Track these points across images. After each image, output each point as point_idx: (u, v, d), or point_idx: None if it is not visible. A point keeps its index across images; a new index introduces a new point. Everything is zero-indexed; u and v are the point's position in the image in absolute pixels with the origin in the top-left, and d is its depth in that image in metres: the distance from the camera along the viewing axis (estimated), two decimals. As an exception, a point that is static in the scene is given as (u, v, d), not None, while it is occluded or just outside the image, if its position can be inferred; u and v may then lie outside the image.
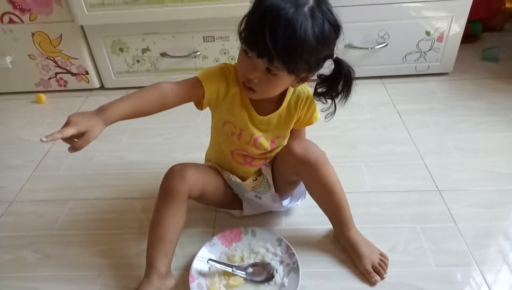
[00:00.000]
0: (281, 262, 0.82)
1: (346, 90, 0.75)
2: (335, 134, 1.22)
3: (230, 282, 0.78)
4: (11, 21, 1.38)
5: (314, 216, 0.88)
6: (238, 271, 0.79)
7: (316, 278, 0.80)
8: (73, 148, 0.63)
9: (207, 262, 0.80)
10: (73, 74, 1.51)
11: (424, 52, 1.44)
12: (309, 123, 0.87)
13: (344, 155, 1.14)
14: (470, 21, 1.54)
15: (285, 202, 0.91)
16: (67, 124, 0.62)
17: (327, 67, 0.74)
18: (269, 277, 0.79)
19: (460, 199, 0.97)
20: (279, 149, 0.88)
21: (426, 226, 0.90)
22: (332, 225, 0.87)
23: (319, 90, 0.78)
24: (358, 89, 1.46)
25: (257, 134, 0.82)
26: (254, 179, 0.89)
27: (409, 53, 1.44)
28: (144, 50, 1.45)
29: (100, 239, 0.93)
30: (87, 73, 1.51)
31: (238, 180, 0.88)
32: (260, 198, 0.90)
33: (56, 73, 1.51)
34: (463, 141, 1.16)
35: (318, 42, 0.65)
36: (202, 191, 0.83)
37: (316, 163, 0.79)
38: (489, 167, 1.06)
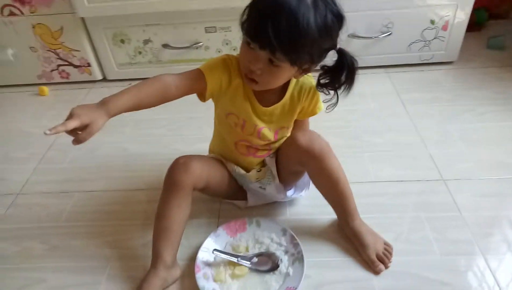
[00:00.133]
0: (286, 252, 0.83)
1: (349, 81, 0.75)
2: (339, 124, 1.22)
3: (236, 272, 0.79)
4: (11, 13, 1.38)
5: (318, 206, 0.89)
6: (243, 261, 0.80)
7: (320, 267, 0.81)
8: (77, 141, 0.63)
9: (213, 252, 0.80)
10: (75, 66, 1.51)
11: (429, 41, 1.42)
12: (313, 113, 0.87)
13: (348, 145, 1.13)
14: (476, 9, 1.52)
15: (289, 193, 0.92)
16: (70, 116, 0.62)
17: (330, 58, 0.74)
18: (274, 267, 0.80)
19: (465, 188, 0.97)
20: (283, 140, 0.87)
21: (431, 215, 0.90)
22: (337, 215, 0.88)
23: (322, 81, 0.78)
24: (362, 79, 1.45)
25: (261, 125, 0.82)
26: (258, 170, 0.89)
27: (413, 42, 1.43)
28: (146, 42, 1.44)
29: (106, 230, 0.93)
30: (89, 65, 1.50)
31: (243, 171, 0.88)
32: (264, 189, 0.90)
33: (58, 65, 1.51)
34: (467, 130, 1.16)
35: (320, 33, 0.65)
36: (207, 183, 0.83)
37: (321, 154, 0.79)
38: (493, 156, 1.06)
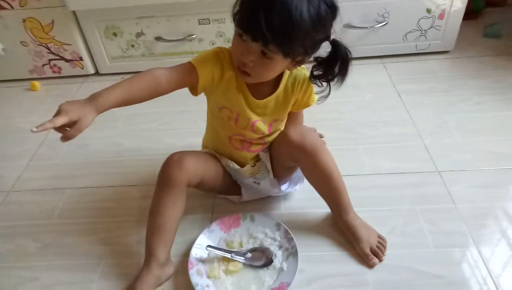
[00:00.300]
0: (280, 246, 0.82)
1: (343, 72, 0.74)
2: (334, 116, 1.21)
3: (229, 267, 0.79)
4: (0, 7, 1.35)
5: (313, 200, 0.88)
6: (237, 256, 0.80)
7: (314, 261, 0.81)
8: (65, 138, 0.62)
9: (206, 248, 0.80)
10: (67, 61, 1.49)
11: (425, 30, 1.41)
12: (307, 105, 0.86)
13: (343, 137, 1.12)
14: (472, -3, 1.50)
15: (284, 187, 0.91)
16: (58, 113, 0.61)
17: (324, 49, 0.72)
18: (268, 262, 0.79)
19: (460, 179, 0.96)
20: (277, 133, 0.86)
21: (425, 208, 0.90)
22: (331, 209, 0.87)
23: (316, 72, 0.77)
24: (358, 70, 1.44)
25: (254, 118, 0.81)
26: (253, 165, 0.88)
27: (409, 32, 1.41)
28: (138, 35, 1.42)
29: (99, 227, 0.93)
30: (81, 59, 1.48)
31: (237, 166, 0.88)
32: (258, 183, 0.89)
33: (50, 60, 1.49)
34: (463, 121, 1.15)
35: (314, 24, 0.64)
36: (201, 179, 0.82)
37: (313, 150, 0.78)
38: (489, 147, 1.05)
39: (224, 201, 0.96)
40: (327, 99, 0.78)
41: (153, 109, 1.28)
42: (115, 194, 1.01)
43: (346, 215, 0.83)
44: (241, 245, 0.84)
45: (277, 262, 0.79)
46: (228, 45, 0.77)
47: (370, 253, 0.79)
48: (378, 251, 0.80)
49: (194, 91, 0.77)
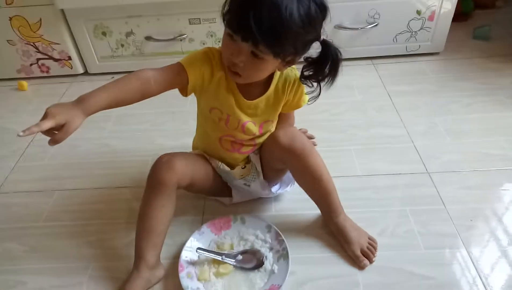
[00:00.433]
0: (271, 249, 0.82)
1: (333, 73, 0.74)
2: (325, 117, 1.21)
3: (220, 270, 0.78)
4: (-14, 5, 1.33)
5: (304, 201, 0.88)
6: (228, 259, 0.79)
7: (305, 263, 0.80)
8: (53, 141, 0.61)
9: (196, 251, 0.79)
10: (55, 60, 1.47)
11: (415, 31, 1.41)
12: (298, 106, 0.86)
13: (334, 139, 1.13)
14: (462, -1, 1.52)
15: (275, 189, 0.91)
16: (45, 116, 0.60)
17: (314, 50, 0.72)
18: (259, 264, 0.79)
19: (450, 181, 0.97)
20: (268, 134, 0.86)
21: (415, 209, 0.90)
22: (321, 211, 0.87)
23: (306, 73, 0.77)
24: (349, 71, 1.45)
25: (245, 119, 0.80)
26: (243, 167, 0.88)
27: (399, 33, 1.42)
28: (128, 34, 1.41)
29: (88, 229, 0.91)
30: (69, 58, 1.46)
31: (227, 168, 0.87)
32: (249, 186, 0.89)
33: (38, 59, 1.47)
34: (453, 122, 1.16)
35: (304, 24, 0.64)
36: (191, 181, 0.81)
37: (302, 152, 0.78)
38: (478, 148, 1.06)
39: (215, 202, 0.95)
40: (318, 100, 0.79)
41: (144, 109, 1.27)
42: (105, 196, 1.00)
43: (336, 217, 0.84)
44: (232, 247, 0.83)
45: (268, 264, 0.79)
46: (218, 45, 0.76)
47: (360, 255, 0.80)
48: (368, 253, 0.80)
49: (184, 92, 0.76)
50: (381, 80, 1.37)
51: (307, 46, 0.70)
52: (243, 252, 0.81)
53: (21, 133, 0.57)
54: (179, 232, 0.87)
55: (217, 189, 0.92)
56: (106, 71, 1.49)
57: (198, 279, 0.77)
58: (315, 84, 0.77)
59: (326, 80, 0.75)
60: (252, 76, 0.72)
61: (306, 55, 0.73)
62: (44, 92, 1.45)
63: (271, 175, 0.88)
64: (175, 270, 0.79)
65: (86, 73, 1.52)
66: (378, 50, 1.47)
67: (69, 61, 1.47)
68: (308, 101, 0.80)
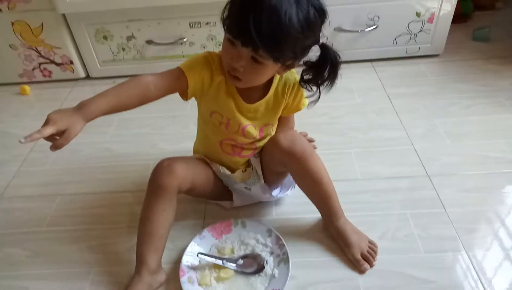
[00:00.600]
0: (271, 253, 0.82)
1: (332, 76, 0.75)
2: (325, 120, 1.21)
3: (221, 274, 0.79)
4: (-12, 10, 1.34)
5: (304, 205, 0.88)
6: (229, 263, 0.79)
7: (306, 267, 0.81)
8: (55, 147, 0.62)
9: (197, 256, 0.80)
10: (57, 64, 1.48)
11: (415, 34, 1.42)
12: (297, 109, 0.86)
13: (334, 142, 1.13)
14: (461, 0, 1.52)
15: (275, 192, 0.91)
16: (46, 123, 0.61)
17: (314, 52, 0.73)
18: (260, 269, 0.80)
19: (449, 184, 0.97)
20: (268, 137, 0.87)
21: (415, 212, 0.91)
22: (321, 214, 0.87)
23: (305, 76, 0.77)
24: (349, 73, 1.45)
25: (245, 122, 0.81)
26: (243, 170, 0.88)
27: (399, 35, 1.42)
28: (129, 38, 1.41)
29: (90, 234, 0.92)
30: (71, 62, 1.47)
31: (228, 172, 0.88)
32: (249, 189, 0.89)
33: (40, 64, 1.48)
34: (453, 124, 1.16)
35: (303, 29, 0.64)
36: (192, 185, 0.82)
37: (303, 156, 0.78)
38: (478, 150, 1.06)
39: (216, 206, 0.96)
40: (318, 103, 0.79)
41: (145, 114, 1.28)
42: (107, 200, 1.01)
43: (336, 220, 0.84)
44: (232, 251, 0.84)
45: (268, 268, 0.80)
46: (219, 48, 0.77)
47: (361, 258, 0.80)
48: (369, 257, 0.80)
49: (184, 96, 0.77)
50: (381, 83, 1.37)
51: (306, 50, 0.71)
52: (243, 257, 0.82)
53: (23, 140, 0.58)
54: (180, 237, 0.88)
55: (218, 193, 0.92)
56: (108, 75, 1.50)
57: (199, 284, 0.78)
58: (314, 87, 0.77)
59: (325, 83, 0.76)
60: (252, 81, 0.73)
61: (306, 58, 0.74)
62: (46, 97, 1.46)
63: (271, 179, 0.89)
64: (176, 274, 0.79)
65: (88, 77, 1.53)
66: (377, 53, 1.47)
67: (71, 65, 1.48)
68: (308, 104, 0.81)
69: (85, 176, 1.09)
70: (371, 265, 0.80)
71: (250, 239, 0.85)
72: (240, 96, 0.78)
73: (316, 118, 1.19)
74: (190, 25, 1.39)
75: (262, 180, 0.88)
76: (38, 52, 1.44)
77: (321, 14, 0.67)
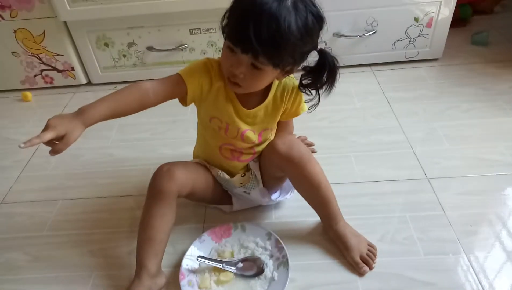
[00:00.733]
0: (271, 256, 0.83)
1: (331, 81, 0.76)
2: (324, 124, 1.22)
3: (221, 278, 0.79)
4: (-9, 18, 1.36)
5: (303, 208, 0.88)
6: (228, 266, 0.80)
7: (305, 270, 0.81)
8: (54, 151, 0.63)
9: (197, 259, 0.80)
10: (58, 71, 1.49)
11: (413, 38, 1.43)
12: (296, 114, 0.87)
13: (334, 145, 1.13)
14: (460, 5, 1.53)
15: (275, 196, 0.92)
16: (46, 128, 0.62)
17: (313, 57, 0.74)
18: (259, 272, 0.80)
19: (449, 187, 0.97)
20: (267, 142, 0.87)
21: (415, 215, 0.91)
22: (320, 218, 0.88)
23: (304, 81, 0.78)
24: (348, 78, 1.46)
25: (244, 127, 0.81)
26: (243, 175, 0.89)
27: (398, 40, 1.43)
28: (130, 45, 1.43)
29: (90, 238, 0.92)
30: (73, 69, 1.48)
31: (227, 176, 0.88)
32: (249, 193, 0.90)
33: (42, 70, 1.49)
34: (452, 128, 1.16)
35: (302, 35, 0.65)
36: (191, 190, 0.82)
37: (301, 161, 0.79)
38: (477, 154, 1.07)
39: (215, 210, 0.96)
40: (318, 107, 0.80)
41: (146, 118, 1.29)
42: (108, 205, 1.01)
43: (336, 224, 0.84)
44: (232, 255, 0.84)
45: (268, 271, 0.80)
46: (219, 54, 0.78)
47: (360, 261, 0.80)
48: (368, 259, 0.80)
49: (184, 102, 0.78)
50: (380, 87, 1.38)
51: (305, 56, 0.72)
52: (243, 260, 0.82)
53: (22, 145, 0.59)
54: (180, 240, 0.88)
55: (217, 197, 0.93)
56: (109, 81, 1.51)
57: (199, 287, 0.78)
58: (313, 92, 0.78)
59: (324, 88, 0.77)
60: (252, 86, 0.74)
61: (304, 64, 0.75)
62: (48, 103, 1.47)
63: (270, 183, 0.89)
64: (176, 278, 0.79)
65: (89, 83, 1.54)
66: (376, 57, 1.48)
67: (72, 72, 1.49)
68: (308, 109, 0.82)
69: (86, 181, 1.10)
70: (370, 268, 0.80)
71: (250, 242, 0.85)
72: (239, 102, 0.79)
73: (316, 122, 1.20)
74: (190, 32, 1.40)
75: (261, 184, 0.88)
76: (40, 59, 1.46)
77: (319, 20, 0.68)
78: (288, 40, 0.64)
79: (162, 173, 0.79)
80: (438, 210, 0.92)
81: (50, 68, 1.48)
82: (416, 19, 1.38)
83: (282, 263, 0.80)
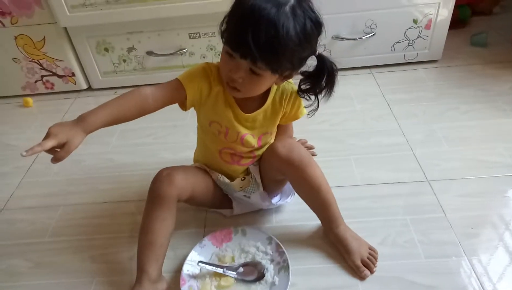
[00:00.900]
0: (272, 260, 0.83)
1: (330, 86, 0.76)
2: (324, 127, 1.22)
3: (221, 283, 0.79)
4: (-8, 25, 1.36)
5: (304, 212, 0.88)
6: (229, 271, 0.80)
7: (306, 274, 0.81)
8: (56, 159, 0.64)
9: (198, 264, 0.80)
10: (59, 76, 1.50)
11: (412, 40, 1.43)
12: (296, 118, 0.87)
13: (333, 148, 1.13)
14: (458, 6, 1.53)
15: (275, 200, 0.92)
16: (47, 136, 0.63)
17: (312, 62, 0.74)
18: (260, 276, 0.80)
19: (449, 189, 0.97)
20: (267, 146, 0.87)
21: (416, 218, 0.91)
22: (321, 222, 0.88)
23: (303, 86, 0.78)
24: (348, 80, 1.46)
25: (244, 131, 0.82)
26: (243, 179, 0.89)
27: (397, 42, 1.43)
28: (130, 49, 1.43)
29: (92, 244, 0.93)
30: (73, 74, 1.49)
31: (227, 180, 0.88)
32: (249, 197, 0.90)
33: (42, 76, 1.50)
34: (451, 129, 1.16)
35: (300, 41, 0.66)
36: (192, 194, 0.83)
37: (301, 164, 0.79)
38: (477, 155, 1.06)
39: (216, 215, 0.96)
40: (318, 110, 0.80)
41: (146, 123, 1.29)
42: (109, 210, 1.01)
43: (336, 227, 0.84)
44: (233, 259, 0.84)
45: (269, 276, 0.80)
46: (218, 58, 0.78)
47: (361, 265, 0.80)
48: (369, 263, 0.80)
49: (183, 107, 0.78)
50: (380, 89, 1.38)
51: (303, 61, 0.72)
52: (244, 265, 0.82)
53: (24, 153, 0.59)
54: (181, 245, 0.88)
55: (217, 202, 0.93)
56: (109, 86, 1.52)
57: (200, 292, 0.78)
58: (313, 96, 0.79)
59: (323, 92, 0.77)
60: (250, 91, 0.74)
61: (303, 69, 0.75)
62: (48, 108, 1.48)
63: (270, 186, 0.89)
64: (177, 283, 0.79)
65: (89, 88, 1.55)
66: (376, 59, 1.48)
67: (73, 77, 1.50)
68: (308, 114, 0.82)
69: (87, 186, 1.10)
70: (371, 272, 0.80)
71: (250, 247, 0.85)
72: (238, 106, 0.79)
73: (316, 125, 1.20)
74: (189, 36, 1.41)
75: (261, 188, 0.89)
76: (40, 65, 1.47)
77: (318, 26, 0.68)
78: (286, 46, 0.64)
79: (162, 177, 0.79)
80: (439, 212, 0.92)
81: (50, 73, 1.49)
82: (415, 21, 1.39)
83: (283, 267, 0.81)
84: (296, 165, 0.79)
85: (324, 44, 1.41)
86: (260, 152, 0.88)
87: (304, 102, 0.83)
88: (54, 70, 1.48)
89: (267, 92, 0.80)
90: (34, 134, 1.34)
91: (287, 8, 0.64)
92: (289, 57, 0.67)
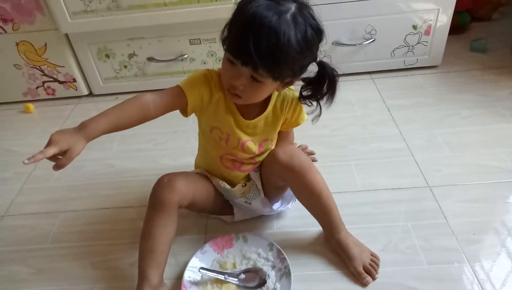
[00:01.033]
0: (273, 267, 0.83)
1: (331, 92, 0.76)
2: (324, 133, 1.22)
3: (223, 289, 0.79)
4: (-6, 32, 1.37)
5: (305, 218, 0.88)
6: (231, 278, 0.80)
7: (308, 281, 0.81)
8: (57, 166, 0.64)
9: (199, 271, 0.80)
10: (60, 82, 1.50)
11: (412, 46, 1.43)
12: (296, 124, 0.87)
13: (334, 154, 1.14)
14: (458, 12, 1.54)
15: (276, 206, 0.92)
16: (49, 143, 0.63)
17: (313, 68, 0.75)
18: (262, 283, 0.79)
19: (451, 194, 0.97)
20: (268, 152, 0.87)
21: (417, 224, 0.90)
22: (322, 228, 0.88)
23: (304, 93, 0.79)
24: (348, 86, 1.46)
25: (244, 138, 0.82)
26: (243, 185, 0.89)
27: (397, 48, 1.44)
28: (131, 56, 1.44)
29: (93, 250, 0.93)
30: (74, 80, 1.50)
31: (228, 186, 0.88)
32: (250, 203, 0.90)
33: (44, 82, 1.50)
34: (452, 135, 1.16)
35: (301, 48, 0.66)
36: (193, 200, 0.83)
37: (301, 170, 0.79)
38: (478, 160, 1.07)
39: (217, 221, 0.96)
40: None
41: (147, 129, 1.27)
42: (110, 216, 1.01)
43: (337, 233, 0.84)
44: (234, 266, 0.84)
45: (270, 283, 0.79)
46: (219, 64, 0.79)
47: (363, 271, 0.80)
48: (371, 269, 0.80)
49: (184, 113, 0.79)
50: (380, 95, 1.38)
51: (304, 68, 0.73)
52: (245, 271, 0.82)
53: (26, 161, 0.60)
54: (182, 252, 0.88)
55: (218, 208, 0.93)
56: (110, 92, 1.52)
57: (201, 299, 0.78)
58: (314, 103, 0.79)
59: (324, 99, 0.77)
60: (251, 98, 0.74)
61: (304, 75, 0.76)
62: (49, 114, 1.48)
63: (271, 193, 0.89)
64: (178, 290, 0.79)
65: (90, 94, 1.55)
66: (376, 65, 1.48)
67: (74, 83, 1.50)
68: (312, 120, 0.82)
69: (88, 192, 1.10)
70: (373, 278, 0.80)
71: (252, 253, 0.85)
72: (239, 112, 0.80)
73: (316, 130, 1.20)
74: (190, 42, 1.41)
75: (262, 194, 0.89)
76: (41, 71, 1.47)
77: (318, 33, 0.68)
78: (287, 54, 0.65)
79: (162, 184, 0.79)
80: (441, 218, 0.92)
81: (52, 79, 1.50)
82: (414, 27, 1.39)
83: (284, 274, 0.80)
84: (296, 171, 0.79)
85: (325, 50, 1.42)
86: (261, 158, 0.88)
87: (306, 108, 0.83)
88: (55, 76, 1.49)
89: (268, 98, 0.80)
90: (35, 140, 1.34)
91: (288, 16, 0.64)
92: (290, 64, 0.67)
